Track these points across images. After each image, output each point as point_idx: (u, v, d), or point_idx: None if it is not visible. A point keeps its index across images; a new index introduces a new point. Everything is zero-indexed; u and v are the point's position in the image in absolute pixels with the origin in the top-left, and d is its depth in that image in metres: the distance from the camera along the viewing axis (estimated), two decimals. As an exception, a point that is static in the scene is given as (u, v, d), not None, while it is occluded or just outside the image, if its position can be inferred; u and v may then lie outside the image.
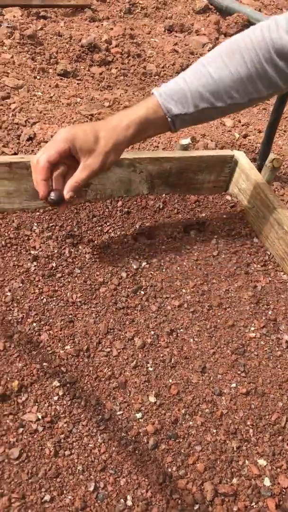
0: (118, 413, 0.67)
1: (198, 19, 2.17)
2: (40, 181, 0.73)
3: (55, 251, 0.89)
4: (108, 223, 0.97)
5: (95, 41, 1.65)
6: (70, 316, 0.79)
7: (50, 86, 1.43)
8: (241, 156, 1.08)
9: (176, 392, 0.70)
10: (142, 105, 0.78)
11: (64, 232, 0.93)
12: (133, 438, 0.64)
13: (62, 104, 1.35)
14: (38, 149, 1.15)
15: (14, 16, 1.74)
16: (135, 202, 1.02)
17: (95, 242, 0.93)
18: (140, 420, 0.66)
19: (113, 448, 0.63)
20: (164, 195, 1.05)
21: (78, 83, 1.50)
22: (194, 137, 1.36)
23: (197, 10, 2.24)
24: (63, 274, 0.86)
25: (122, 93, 1.49)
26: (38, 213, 0.95)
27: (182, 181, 1.05)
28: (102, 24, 1.92)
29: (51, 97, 1.36)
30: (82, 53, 1.61)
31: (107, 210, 1.00)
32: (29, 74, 1.44)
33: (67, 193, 0.75)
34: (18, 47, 1.53)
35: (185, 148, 1.06)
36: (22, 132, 1.17)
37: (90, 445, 0.62)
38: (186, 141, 1.06)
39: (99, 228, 0.96)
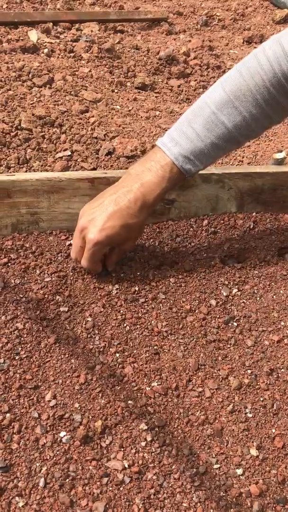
0: (215, 466, 0.57)
1: (278, 30, 2.07)
2: (96, 264, 0.77)
3: (138, 273, 0.82)
4: (193, 244, 0.89)
5: (173, 53, 1.60)
6: (155, 347, 0.71)
7: (128, 99, 1.38)
8: None
9: (282, 445, 0.60)
10: (162, 175, 0.75)
11: (146, 253, 0.86)
12: (234, 499, 0.54)
13: (141, 117, 1.30)
14: (117, 164, 1.09)
15: (91, 31, 1.73)
16: (222, 221, 0.93)
17: (179, 264, 0.86)
18: (241, 477, 0.57)
19: (211, 511, 0.53)
20: (254, 213, 0.95)
21: (156, 96, 1.45)
22: (281, 150, 1.25)
23: (277, 21, 2.14)
24: (147, 299, 0.78)
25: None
26: (119, 232, 0.89)
27: (275, 198, 0.95)
28: (179, 37, 1.88)
29: (129, 110, 1.32)
30: (160, 66, 1.57)
31: (191, 229, 0.92)
32: (107, 88, 1.41)
33: (111, 266, 0.79)
34: (96, 60, 1.51)
35: (279, 162, 0.96)
36: (101, 146, 1.13)
37: (184, 504, 0.54)
38: (281, 155, 0.96)
39: (183, 249, 0.88)
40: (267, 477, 0.57)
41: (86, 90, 1.36)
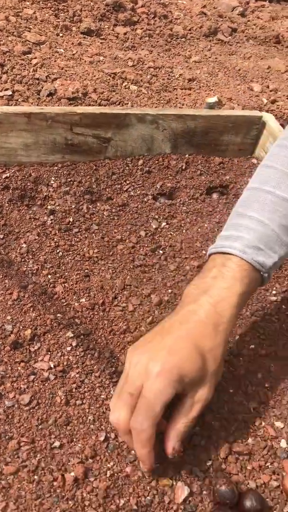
0: (132, 367, 0.65)
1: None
2: (148, 453, 0.51)
3: (73, 206, 0.87)
4: (128, 182, 0.95)
5: (120, 0, 1.60)
6: (86, 270, 0.77)
7: (73, 44, 1.38)
8: (269, 119, 1.03)
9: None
10: (231, 278, 0.56)
11: (82, 188, 0.90)
12: (147, 392, 0.62)
13: (85, 62, 1.31)
14: (58, 105, 1.11)
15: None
16: (156, 162, 0.99)
17: (114, 200, 0.91)
18: (155, 375, 0.64)
19: (126, 401, 0.61)
20: (187, 155, 1.01)
21: (101, 42, 1.46)
22: (220, 100, 1.31)
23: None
24: (80, 230, 0.83)
25: (147, 53, 1.44)
26: (56, 168, 0.93)
27: (207, 141, 1.01)
28: (128, -15, 1.86)
29: (73, 54, 1.32)
30: (106, 12, 1.56)
31: (127, 168, 0.97)
32: (51, 31, 1.40)
33: (176, 445, 0.52)
34: (41, 2, 1.48)
35: (211, 106, 1.02)
36: (42, 87, 1.14)
37: (102, 396, 0.61)
38: (213, 99, 1.01)
39: (119, 186, 0.93)
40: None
41: (29, 31, 1.35)
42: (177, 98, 1.29)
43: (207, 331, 0.53)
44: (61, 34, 1.41)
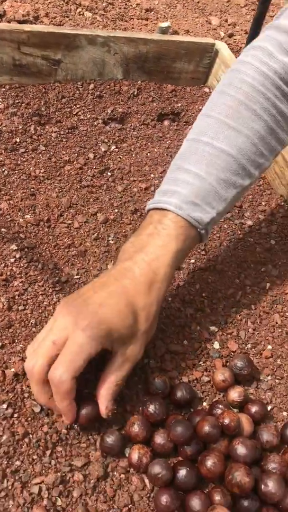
0: (76, 277, 0.67)
1: None
2: (68, 406, 0.49)
3: (20, 127, 0.85)
4: (78, 106, 0.93)
5: None
6: (32, 189, 0.77)
7: None
8: (222, 47, 1.02)
9: (135, 263, 0.70)
10: (165, 235, 0.55)
11: (30, 110, 0.89)
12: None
13: (37, -16, 1.24)
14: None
15: None
16: (108, 87, 0.97)
17: (63, 123, 0.90)
18: (97, 284, 0.67)
19: (68, 307, 0.63)
20: (139, 82, 1.00)
21: None
22: (176, 31, 1.28)
23: None
24: (27, 150, 0.83)
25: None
26: (3, 89, 0.90)
27: (159, 68, 1.00)
28: None
29: (25, -24, 1.26)
30: None
31: (77, 92, 0.95)
32: None
33: (108, 404, 0.51)
34: None
35: (163, 31, 1.00)
36: (-9, 8, 1.09)
37: (44, 303, 0.63)
38: (165, 24, 0.99)
39: (68, 110, 0.92)
40: (120, 285, 0.67)
41: None
42: (133, 28, 1.26)
43: (141, 288, 0.53)
44: None
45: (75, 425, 0.53)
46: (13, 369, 0.56)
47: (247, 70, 0.58)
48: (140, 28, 1.26)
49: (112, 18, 1.26)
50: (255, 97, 0.57)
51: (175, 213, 0.56)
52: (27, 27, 0.88)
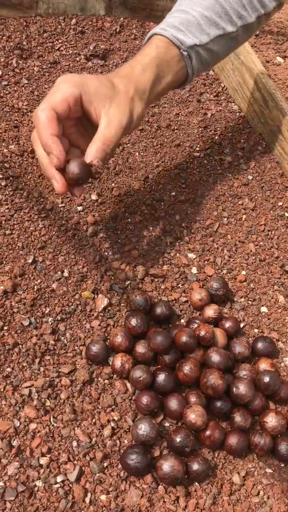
0: (60, 205, 0.69)
1: None
2: (50, 136, 0.49)
3: (2, 60, 0.84)
4: (60, 41, 0.92)
5: None
6: (15, 121, 0.77)
7: None
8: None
9: (118, 194, 0.73)
10: (149, 48, 0.61)
11: (12, 44, 0.87)
12: (73, 226, 0.67)
13: None
14: None
15: None
16: (90, 22, 0.96)
17: (45, 58, 0.89)
18: (81, 212, 0.69)
19: (53, 232, 0.66)
20: (122, 18, 0.99)
21: None
22: None
23: None
24: (9, 83, 0.82)
25: None
26: (-16, 21, 0.89)
27: (142, 5, 0.99)
28: None
29: None
30: None
31: (59, 27, 0.94)
32: None
33: (94, 159, 0.52)
34: None
35: None
36: None
37: (30, 228, 0.65)
38: None
39: (50, 45, 0.91)
40: (103, 214, 0.70)
41: None
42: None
43: (119, 75, 0.57)
44: None
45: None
46: (2, 287, 0.58)
47: None
48: None
49: None
50: None
51: (159, 34, 0.62)
52: None
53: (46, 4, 0.93)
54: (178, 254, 0.69)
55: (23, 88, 0.82)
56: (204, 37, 0.63)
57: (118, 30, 0.97)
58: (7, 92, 0.81)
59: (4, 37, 0.88)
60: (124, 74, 0.58)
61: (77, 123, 0.56)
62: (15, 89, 0.82)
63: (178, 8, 0.65)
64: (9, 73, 0.83)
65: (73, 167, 0.50)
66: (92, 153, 0.52)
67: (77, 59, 0.91)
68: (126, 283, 0.64)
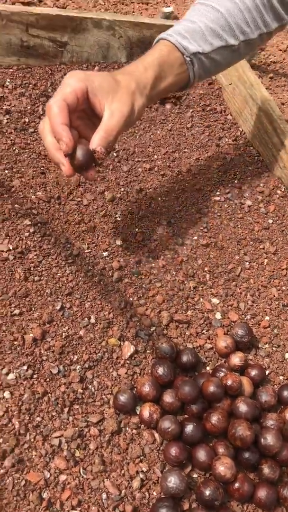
0: (86, 251, 0.71)
1: None
2: (60, 125, 0.53)
3: (28, 107, 0.88)
4: (83, 88, 0.96)
5: None
6: (42, 168, 0.80)
7: None
8: (223, 33, 1.05)
9: (142, 239, 0.74)
10: (153, 50, 0.66)
11: (38, 91, 0.91)
12: (99, 271, 0.68)
13: None
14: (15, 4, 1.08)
15: None
16: (112, 69, 1.00)
17: (70, 104, 0.92)
18: (107, 258, 0.71)
19: (80, 278, 0.67)
20: (142, 65, 1.02)
21: None
22: (177, 17, 1.30)
23: None
24: (36, 130, 0.85)
25: None
26: (11, 70, 0.92)
27: (162, 52, 1.03)
28: None
29: None
30: None
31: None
32: None
33: (97, 146, 0.55)
34: None
35: (167, 16, 1.02)
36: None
37: (58, 274, 0.67)
38: (168, 9, 1.02)
39: (74, 92, 0.94)
40: (127, 259, 0.71)
41: None
42: (133, 12, 1.28)
43: (123, 72, 0.62)
44: None
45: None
46: (31, 334, 0.59)
47: None
48: (141, 12, 1.28)
49: (114, 1, 1.28)
50: None
51: (165, 39, 0.67)
52: (36, 10, 0.90)
53: (70, 53, 0.97)
54: (201, 299, 0.70)
55: (49, 134, 0.85)
56: (207, 46, 0.68)
57: (138, 76, 1.01)
58: (33, 139, 0.84)
59: (30, 85, 0.91)
60: (127, 71, 0.63)
61: (84, 116, 0.60)
62: (41, 136, 0.85)
63: (187, 17, 0.70)
64: (36, 120, 0.87)
65: (79, 153, 0.54)
66: (96, 141, 0.56)
67: (100, 105, 0.94)
68: (152, 329, 0.65)
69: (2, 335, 0.59)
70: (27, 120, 0.86)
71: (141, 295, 0.68)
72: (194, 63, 0.68)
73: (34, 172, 0.78)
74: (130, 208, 0.78)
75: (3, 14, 0.87)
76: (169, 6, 1.08)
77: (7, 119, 0.85)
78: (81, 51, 0.97)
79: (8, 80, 0.91)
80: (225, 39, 0.69)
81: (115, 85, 0.58)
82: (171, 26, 0.99)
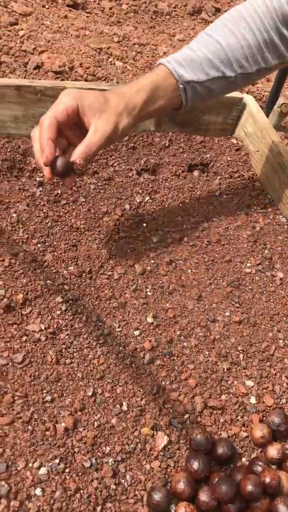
0: (117, 329, 0.70)
1: None
2: (46, 140, 0.61)
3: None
4: (113, 157, 0.98)
5: (106, -27, 1.59)
6: (74, 240, 0.81)
7: (59, 16, 1.38)
8: (249, 100, 1.07)
9: (173, 316, 0.73)
10: (151, 73, 0.73)
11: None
12: (131, 352, 0.68)
13: (71, 35, 1.31)
14: (45, 78, 1.13)
15: None
16: (141, 138, 1.02)
17: (100, 174, 0.94)
18: (138, 337, 0.70)
19: (111, 360, 0.66)
20: (170, 133, 1.05)
21: (87, 16, 1.46)
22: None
23: None
24: (68, 202, 0.87)
25: (132, 29, 1.45)
26: (44, 141, 0.95)
27: (190, 120, 1.05)
28: None
29: (59, 27, 1.32)
30: (92, -15, 1.56)
31: (113, 144, 0.99)
32: (37, 3, 1.39)
33: (76, 159, 0.62)
34: (26, -28, 1.47)
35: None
36: (29, 60, 1.15)
37: (89, 356, 0.66)
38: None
39: (104, 161, 0.97)
40: (159, 338, 0.70)
41: (16, 2, 1.34)
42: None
43: (116, 91, 0.69)
44: (47, 6, 1.41)
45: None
46: (63, 424, 0.58)
47: (257, 1, 0.73)
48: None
49: (141, 67, 1.32)
50: (254, 20, 0.73)
51: (164, 65, 0.72)
52: (68, 84, 0.94)
53: (101, 124, 0.99)
54: (235, 382, 0.68)
55: (80, 206, 0.87)
56: (202, 75, 0.73)
57: (167, 144, 1.03)
58: (65, 211, 0.85)
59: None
60: (120, 91, 0.69)
61: (75, 127, 0.66)
62: (73, 207, 0.86)
63: (190, 45, 0.75)
64: (67, 191, 0.88)
65: (58, 163, 0.62)
66: (76, 154, 0.63)
67: (129, 174, 0.96)
68: (185, 417, 0.63)
69: (34, 424, 0.58)
70: (59, 191, 0.87)
71: (173, 379, 0.66)
72: (187, 90, 0.73)
73: (66, 246, 0.79)
74: (160, 282, 0.78)
75: (37, 89, 0.91)
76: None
77: (40, 191, 0.86)
78: (112, 121, 1.00)
79: (41, 151, 0.93)
80: (222, 71, 0.73)
81: (104, 104, 0.65)
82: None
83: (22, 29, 1.23)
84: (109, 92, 0.68)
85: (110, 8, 1.54)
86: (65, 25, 1.36)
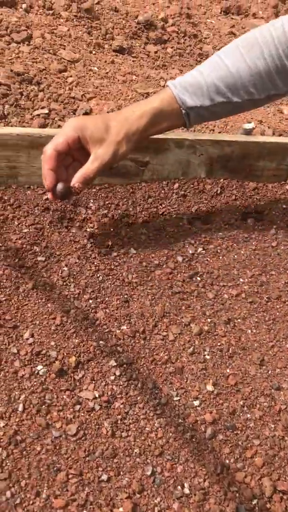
0: (175, 398, 0.65)
1: (256, 2, 2.09)
2: (47, 171, 0.69)
3: (111, 229, 0.87)
4: (163, 205, 0.95)
5: (151, 19, 1.61)
6: (126, 296, 0.77)
7: (105, 61, 1.40)
8: (304, 145, 1.03)
9: (234, 383, 0.68)
10: (156, 97, 0.75)
11: (119, 211, 0.91)
12: (191, 425, 0.62)
13: (118, 80, 1.32)
14: (94, 125, 1.12)
15: (70, -11, 1.71)
16: (192, 186, 0.99)
17: (150, 223, 0.91)
18: (198, 408, 0.65)
19: (170, 434, 0.61)
20: (222, 180, 1.01)
21: (133, 60, 1.47)
22: (249, 122, 1.31)
23: (254, -7, 2.16)
24: (119, 253, 0.84)
25: (177, 72, 1.45)
26: (94, 190, 0.93)
27: (242, 167, 1.02)
28: (158, 1, 1.88)
29: (106, 73, 1.33)
30: (138, 30, 1.57)
31: (163, 191, 0.97)
32: (85, 49, 1.41)
33: (75, 183, 0.70)
34: (74, 20, 1.50)
35: (248, 132, 1.02)
36: (78, 106, 1.15)
37: (147, 428, 0.61)
38: (250, 125, 1.02)
39: (154, 210, 0.94)
40: (220, 409, 0.65)
41: (64, 49, 1.36)
42: (214, 129, 1.30)
43: (119, 117, 0.73)
44: (94, 52, 1.43)
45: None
46: (121, 509, 0.53)
47: (276, 25, 0.73)
48: (215, 121, 1.30)
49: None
50: (269, 46, 0.71)
51: (171, 89, 0.75)
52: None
53: (151, 171, 0.97)
54: (306, 461, 0.61)
55: (131, 258, 0.83)
56: (207, 101, 0.74)
57: (218, 191, 0.99)
58: (117, 263, 0.82)
59: (112, 205, 0.91)
60: (122, 117, 0.73)
61: (80, 148, 0.72)
62: (124, 260, 0.83)
63: (200, 68, 0.76)
64: (118, 242, 0.86)
65: (58, 188, 0.71)
66: (75, 179, 0.71)
67: (181, 223, 0.92)
68: (253, 503, 0.57)
69: (90, 508, 0.53)
70: (110, 243, 0.85)
71: (238, 456, 0.60)
72: (190, 114, 0.76)
73: (118, 302, 0.76)
74: (219, 344, 0.73)
75: (89, 138, 0.90)
76: (250, 122, 1.08)
77: (91, 243, 0.84)
78: (162, 169, 0.98)
79: (92, 200, 0.92)
80: (228, 97, 0.74)
81: (105, 134, 0.70)
82: (252, 142, 0.99)
83: (71, 76, 1.24)
84: (111, 118, 0.72)
85: (156, 52, 1.55)
86: (112, 70, 1.37)
